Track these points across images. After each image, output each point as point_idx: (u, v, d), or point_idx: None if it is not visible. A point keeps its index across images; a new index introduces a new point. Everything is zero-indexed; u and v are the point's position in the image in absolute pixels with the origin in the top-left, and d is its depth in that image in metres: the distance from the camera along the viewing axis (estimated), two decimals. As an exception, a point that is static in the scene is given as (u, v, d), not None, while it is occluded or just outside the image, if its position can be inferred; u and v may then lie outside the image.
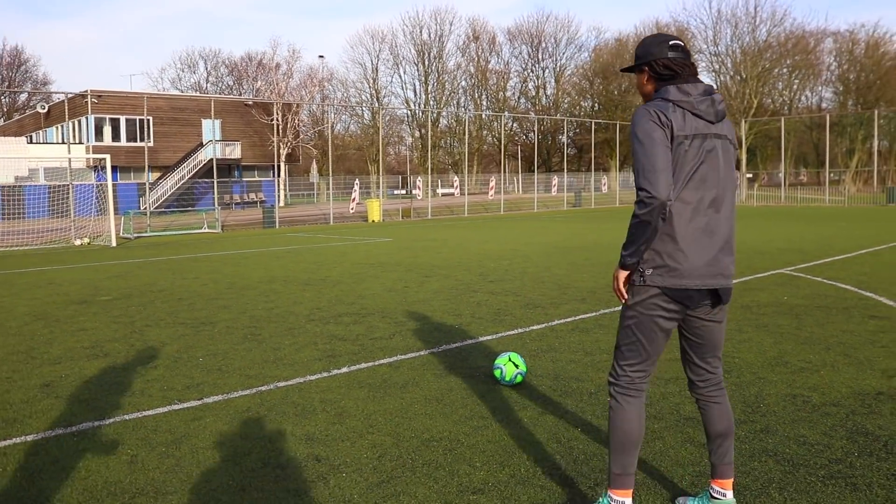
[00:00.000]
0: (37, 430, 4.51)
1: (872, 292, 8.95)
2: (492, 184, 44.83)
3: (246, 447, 4.10)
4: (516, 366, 5.19)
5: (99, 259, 16.08)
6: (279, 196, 35.39)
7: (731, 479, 3.13)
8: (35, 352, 6.72)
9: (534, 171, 46.94)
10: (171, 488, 3.57)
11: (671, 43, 2.99)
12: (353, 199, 34.52)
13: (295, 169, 50.65)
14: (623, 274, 2.94)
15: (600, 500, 3.06)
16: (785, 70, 59.60)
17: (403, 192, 55.32)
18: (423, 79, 65.59)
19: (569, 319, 7.70)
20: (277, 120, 34.05)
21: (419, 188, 42.80)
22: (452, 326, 7.45)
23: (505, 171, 48.23)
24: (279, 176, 34.29)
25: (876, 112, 40.59)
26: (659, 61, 2.98)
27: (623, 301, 2.97)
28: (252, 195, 41.57)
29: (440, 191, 55.59)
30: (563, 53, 68.96)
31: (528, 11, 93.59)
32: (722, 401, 3.14)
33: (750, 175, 45.58)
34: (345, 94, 62.40)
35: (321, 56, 61.43)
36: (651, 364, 3.00)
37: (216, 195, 28.14)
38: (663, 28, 62.78)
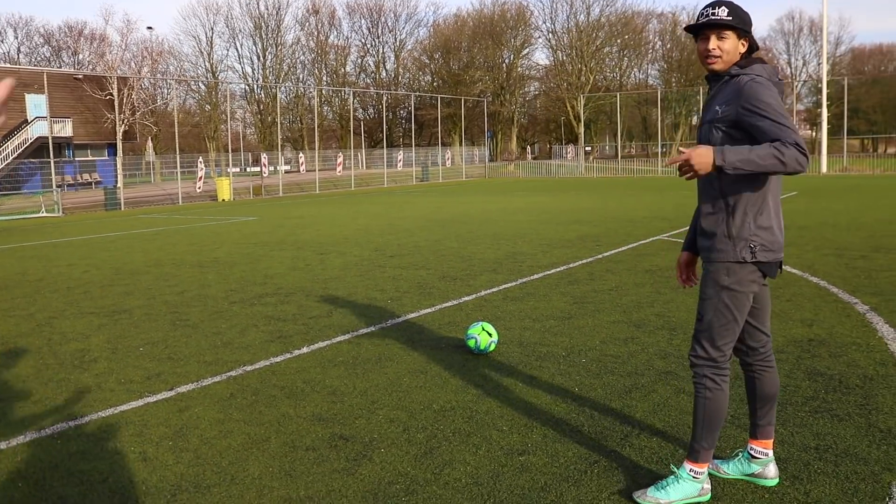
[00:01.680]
0: (5, 436, 4.15)
1: (748, 252, 9.81)
2: (339, 160, 44.41)
3: (260, 433, 3.99)
4: (489, 334, 5.33)
5: (-62, 250, 14.57)
6: (118, 176, 33.26)
7: (773, 439, 3.26)
8: (-62, 352, 6.10)
9: (378, 147, 46.95)
10: (209, 481, 3.44)
11: None
12: (200, 178, 33.16)
13: (124, 147, 47.68)
14: (709, 163, 2.75)
15: (679, 472, 3.09)
16: (616, 48, 62.96)
17: (237, 169, 53.58)
18: (260, 53, 63.57)
19: (494, 290, 7.93)
20: (114, 95, 31.91)
21: (265, 165, 41.67)
22: (384, 301, 7.47)
23: (351, 147, 47.89)
24: (119, 155, 32.19)
25: (701, 89, 43.85)
26: (753, 35, 2.99)
27: (684, 169, 2.81)
28: (86, 176, 38.85)
29: (281, 168, 54.42)
30: (403, 28, 69.14)
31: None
32: (772, 365, 3.23)
33: (588, 147, 47.89)
34: (178, 68, 59.36)
35: (150, 28, 57.86)
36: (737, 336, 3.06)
37: (53, 176, 26.10)
38: (503, 5, 64.30)
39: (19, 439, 4.08)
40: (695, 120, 56.75)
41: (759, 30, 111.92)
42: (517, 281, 8.39)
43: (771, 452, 3.25)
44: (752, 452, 3.25)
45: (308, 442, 3.84)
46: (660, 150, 44.04)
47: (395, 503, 3.15)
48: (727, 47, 2.95)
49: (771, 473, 3.22)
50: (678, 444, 3.67)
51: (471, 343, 5.34)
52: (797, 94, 70.31)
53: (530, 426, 3.95)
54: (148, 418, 4.31)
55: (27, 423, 4.31)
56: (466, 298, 7.51)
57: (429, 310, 7.03)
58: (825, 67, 45.51)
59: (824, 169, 39.08)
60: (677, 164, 2.82)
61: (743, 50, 2.98)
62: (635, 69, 66.72)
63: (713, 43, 2.96)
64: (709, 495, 3.09)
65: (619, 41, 62.48)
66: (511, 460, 3.52)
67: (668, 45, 64.01)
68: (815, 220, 13.95)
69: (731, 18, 2.91)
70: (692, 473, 3.08)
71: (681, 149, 2.89)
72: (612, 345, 5.52)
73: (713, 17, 2.93)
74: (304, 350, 5.68)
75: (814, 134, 67.96)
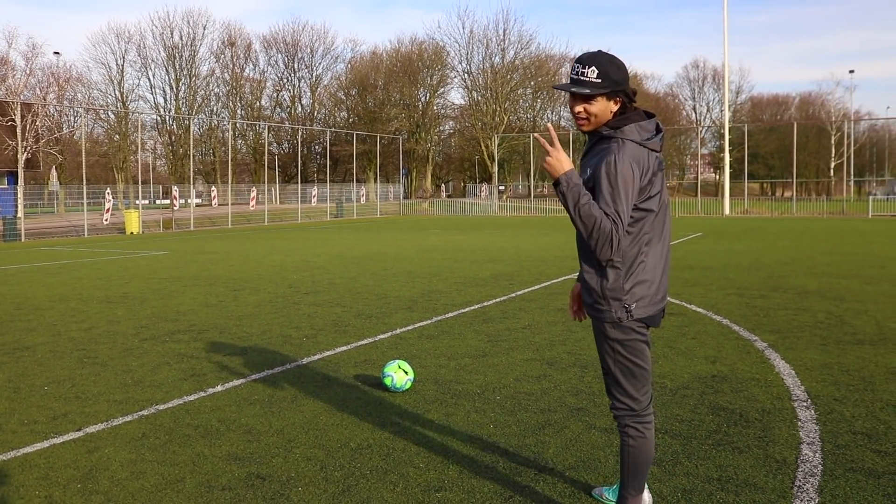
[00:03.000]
0: None
1: (655, 291, 10.20)
2: (253, 194, 43.80)
3: (174, 473, 3.92)
4: (406, 372, 5.38)
5: None
6: (18, 206, 31.89)
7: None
8: None
9: (292, 182, 46.60)
10: (119, 522, 3.36)
11: None
12: (108, 210, 32.12)
13: (27, 176, 45.89)
14: (558, 172, 2.78)
15: None
16: (529, 90, 64.66)
17: (146, 202, 52.23)
18: (174, 84, 62.41)
19: (409, 328, 7.99)
20: (16, 122, 30.69)
21: (176, 198, 40.74)
22: (300, 339, 7.43)
23: (265, 182, 47.37)
24: (20, 184, 30.90)
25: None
26: (630, 90, 2.91)
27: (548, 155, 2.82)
28: (-18, 206, 37.15)
29: (193, 201, 53.44)
30: (320, 64, 69.08)
31: (285, 20, 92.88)
32: None
33: (502, 187, 48.71)
34: (86, 96, 57.64)
35: (56, 53, 56.02)
36: (651, 380, 3.10)
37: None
38: (421, 44, 65.24)
39: (-88, 484, 3.88)
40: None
41: (667, 76, 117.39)
42: (432, 319, 8.48)
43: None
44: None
45: (224, 482, 3.79)
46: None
47: (313, 542, 3.15)
48: (595, 110, 2.88)
49: (646, 501, 3.34)
50: (591, 478, 3.79)
51: (387, 381, 5.37)
52: (701, 139, 73.60)
53: (447, 463, 4.01)
54: (54, 460, 4.17)
55: (-79, 467, 4.10)
56: (382, 336, 7.54)
57: (344, 347, 7.03)
58: (727, 114, 47.88)
59: (727, 211, 40.90)
60: (545, 148, 2.81)
61: (615, 108, 2.89)
62: (548, 111, 68.60)
63: (579, 106, 2.89)
64: None
65: (532, 83, 64.20)
66: (428, 497, 3.57)
67: (581, 89, 66.14)
68: (719, 260, 14.59)
69: (599, 81, 2.82)
70: None
71: (555, 146, 2.82)
72: (525, 382, 5.65)
73: (582, 79, 2.83)
74: (219, 388, 5.60)
75: (717, 177, 71.13)
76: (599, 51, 2.93)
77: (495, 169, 53.43)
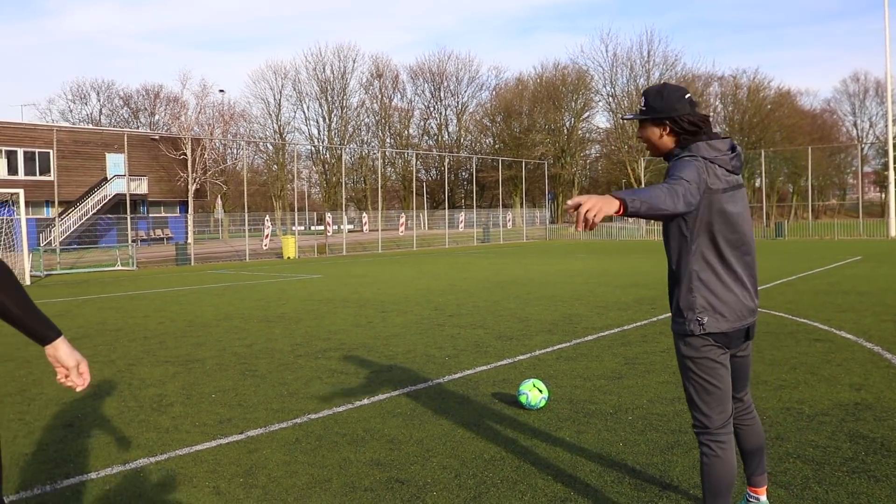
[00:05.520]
0: (95, 468, 4.57)
1: (805, 318, 9.84)
2: (402, 220, 45.25)
3: (322, 475, 4.32)
4: (540, 391, 5.60)
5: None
6: (188, 233, 34.68)
7: (765, 487, 3.48)
8: (29, 392, 6.64)
9: (440, 208, 47.71)
10: (276, 513, 3.77)
11: (688, 97, 3.05)
12: (267, 236, 34.24)
13: (196, 205, 49.81)
14: (613, 208, 2.59)
15: None
16: (676, 111, 63.24)
17: (302, 228, 55.08)
18: (326, 115, 65.76)
19: (548, 350, 8.17)
20: (187, 155, 33.53)
21: (329, 224, 42.77)
22: (442, 358, 7.79)
23: (414, 208, 48.84)
24: (190, 212, 33.67)
25: (762, 152, 43.72)
26: (684, 118, 3.03)
27: (585, 227, 2.58)
28: (158, 231, 40.65)
29: (345, 227, 55.79)
30: (465, 92, 70.66)
31: (430, 50, 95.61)
32: (752, 423, 3.38)
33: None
34: (248, 130, 61.88)
35: (221, 90, 60.66)
36: (729, 401, 3.13)
37: (129, 231, 27.43)
38: (564, 69, 65.43)
39: (107, 471, 4.49)
40: (757, 182, 56.29)
41: (823, 91, 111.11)
42: (571, 342, 8.62)
43: (763, 497, 3.46)
44: (747, 497, 3.51)
45: (367, 483, 4.15)
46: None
47: (446, 540, 3.42)
48: (645, 136, 3.16)
49: None
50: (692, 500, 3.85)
51: (522, 399, 5.60)
52: (864, 157, 69.14)
53: (574, 476, 4.19)
54: (220, 458, 4.69)
55: (113, 458, 4.73)
56: (521, 357, 7.77)
57: (484, 367, 7.31)
58: (892, 129, 44.83)
59: (893, 232, 38.20)
60: (579, 206, 2.62)
61: (667, 132, 3.09)
62: (695, 132, 66.70)
63: (638, 132, 3.22)
64: None
65: (680, 105, 62.71)
66: (554, 506, 3.77)
67: (731, 108, 64.07)
68: (877, 285, 13.80)
69: (644, 109, 3.12)
70: None
71: (581, 201, 2.64)
72: (658, 404, 5.71)
73: (640, 109, 3.17)
74: (365, 401, 6.02)
75: (882, 196, 66.47)
76: (661, 83, 3.22)
77: (642, 192, 52.37)
